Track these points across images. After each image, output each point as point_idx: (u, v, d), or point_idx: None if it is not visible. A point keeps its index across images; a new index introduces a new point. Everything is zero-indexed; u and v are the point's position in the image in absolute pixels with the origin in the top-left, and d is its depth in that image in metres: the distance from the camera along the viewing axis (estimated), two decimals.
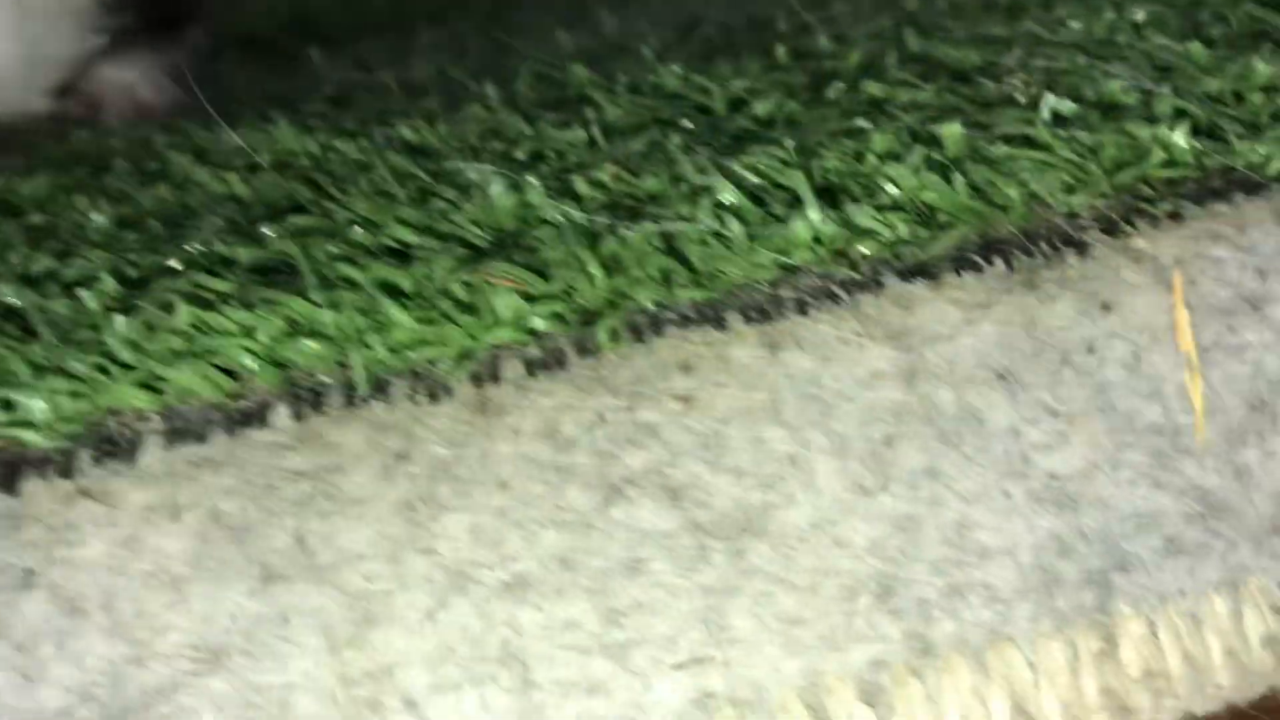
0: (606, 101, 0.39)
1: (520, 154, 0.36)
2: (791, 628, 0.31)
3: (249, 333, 0.30)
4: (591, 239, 0.31)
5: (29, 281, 0.32)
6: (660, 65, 0.41)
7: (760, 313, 0.32)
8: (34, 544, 0.30)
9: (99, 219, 0.35)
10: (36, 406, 0.29)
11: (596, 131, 0.37)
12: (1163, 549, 0.33)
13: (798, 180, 0.32)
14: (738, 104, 0.38)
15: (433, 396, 0.31)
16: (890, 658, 0.31)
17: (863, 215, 0.32)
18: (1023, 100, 0.36)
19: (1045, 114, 0.35)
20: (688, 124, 0.37)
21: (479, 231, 0.33)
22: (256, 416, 0.30)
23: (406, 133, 0.38)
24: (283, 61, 0.55)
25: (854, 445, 0.32)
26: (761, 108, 0.38)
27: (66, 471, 0.29)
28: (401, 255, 0.33)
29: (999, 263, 0.33)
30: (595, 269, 0.31)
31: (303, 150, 0.38)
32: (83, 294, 0.31)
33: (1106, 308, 0.34)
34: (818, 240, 0.32)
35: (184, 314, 0.29)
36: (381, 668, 0.29)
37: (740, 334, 0.33)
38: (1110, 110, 0.35)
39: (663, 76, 0.41)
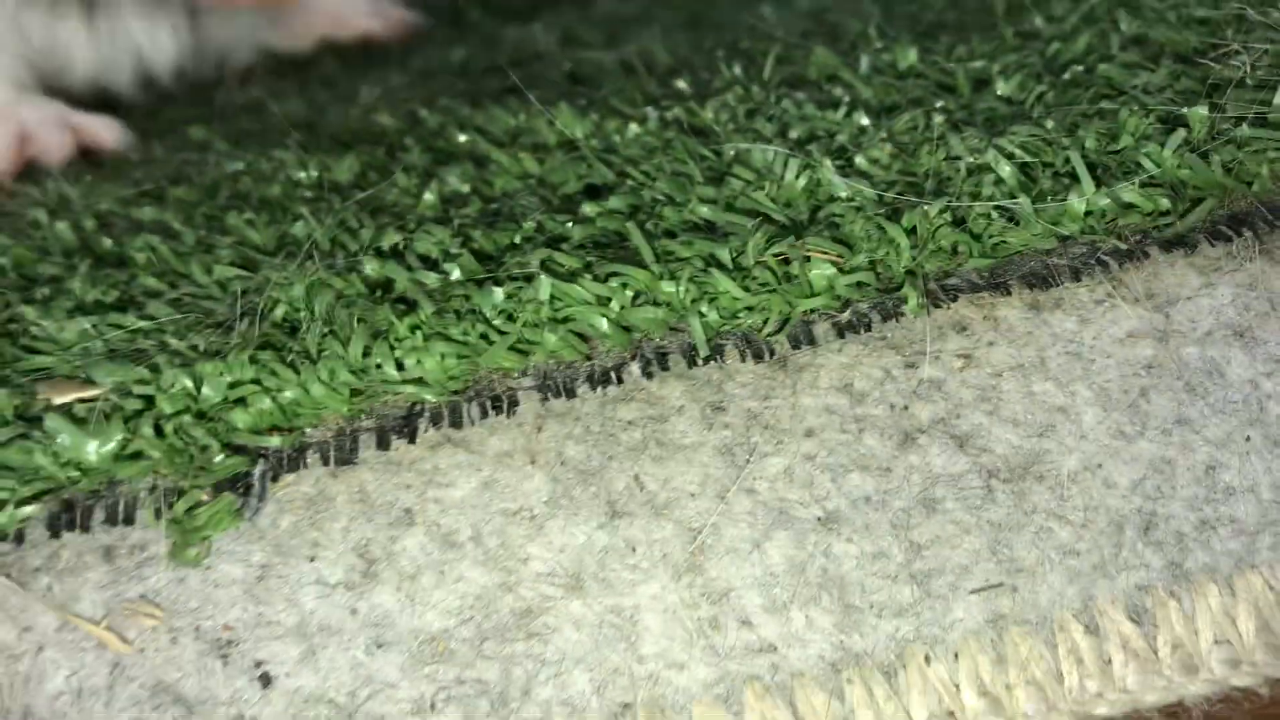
0: (857, 82, 0.42)
1: (795, 134, 0.40)
2: (1068, 558, 0.35)
3: (604, 302, 0.34)
4: (893, 214, 0.35)
5: (383, 255, 0.36)
6: (896, 45, 0.44)
7: (1038, 279, 0.36)
8: (409, 486, 0.35)
9: (430, 197, 0.38)
10: (427, 368, 0.33)
11: (862, 113, 0.40)
12: None
13: (1073, 158, 0.36)
14: (980, 84, 0.42)
15: (758, 357, 0.35)
16: (1152, 583, 0.35)
17: (1129, 191, 0.36)
18: (1251, 82, 0.40)
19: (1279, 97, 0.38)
20: (945, 104, 0.40)
21: (774, 207, 0.37)
22: (610, 374, 0.34)
23: (679, 113, 0.42)
24: (475, 36, 0.58)
25: (1114, 397, 0.36)
26: (1005, 88, 0.41)
27: (456, 423, 0.34)
28: (706, 230, 0.37)
29: (1247, 233, 0.37)
30: (901, 241, 0.35)
31: (585, 131, 0.41)
32: (449, 268, 0.35)
33: None
34: (1088, 213, 0.36)
35: (546, 286, 0.33)
36: (719, 591, 0.34)
37: (1014, 298, 0.36)
38: None
39: (899, 56, 0.44)
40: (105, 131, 0.50)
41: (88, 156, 0.50)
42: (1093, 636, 0.34)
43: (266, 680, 0.33)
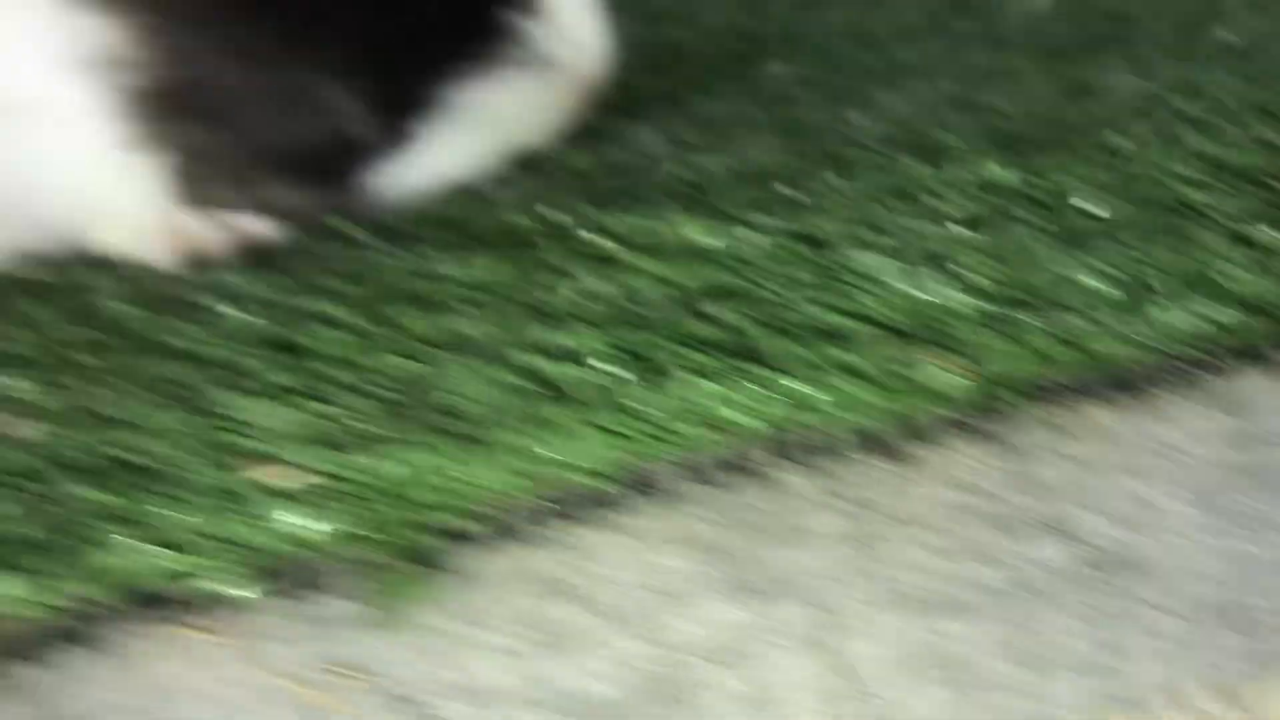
0: (953, 195, 0.47)
1: (890, 242, 0.44)
2: (1161, 642, 0.38)
3: (730, 396, 0.38)
4: (995, 323, 0.39)
5: (525, 348, 0.41)
6: (977, 156, 0.49)
7: (1125, 384, 0.40)
8: (565, 562, 0.38)
9: (568, 294, 0.43)
10: (581, 454, 0.37)
11: (952, 225, 0.45)
12: None
13: (1149, 275, 0.40)
14: (1062, 196, 0.46)
15: (874, 450, 0.39)
16: (1238, 666, 0.38)
17: (1203, 305, 0.40)
18: None
19: None
20: (1028, 216, 0.45)
21: (885, 313, 0.41)
22: (740, 464, 0.38)
23: (787, 222, 0.46)
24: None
25: (1201, 495, 0.39)
26: (1083, 202, 0.45)
27: (607, 504, 0.38)
28: (822, 332, 0.41)
29: None
30: (1001, 349, 0.39)
31: (706, 236, 0.46)
32: (594, 363, 0.39)
33: None
34: (1167, 326, 0.40)
35: (687, 382, 0.38)
36: (848, 667, 0.37)
37: (1103, 401, 0.40)
38: None
39: (982, 169, 0.48)
40: (258, 226, 0.54)
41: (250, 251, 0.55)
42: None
43: None
